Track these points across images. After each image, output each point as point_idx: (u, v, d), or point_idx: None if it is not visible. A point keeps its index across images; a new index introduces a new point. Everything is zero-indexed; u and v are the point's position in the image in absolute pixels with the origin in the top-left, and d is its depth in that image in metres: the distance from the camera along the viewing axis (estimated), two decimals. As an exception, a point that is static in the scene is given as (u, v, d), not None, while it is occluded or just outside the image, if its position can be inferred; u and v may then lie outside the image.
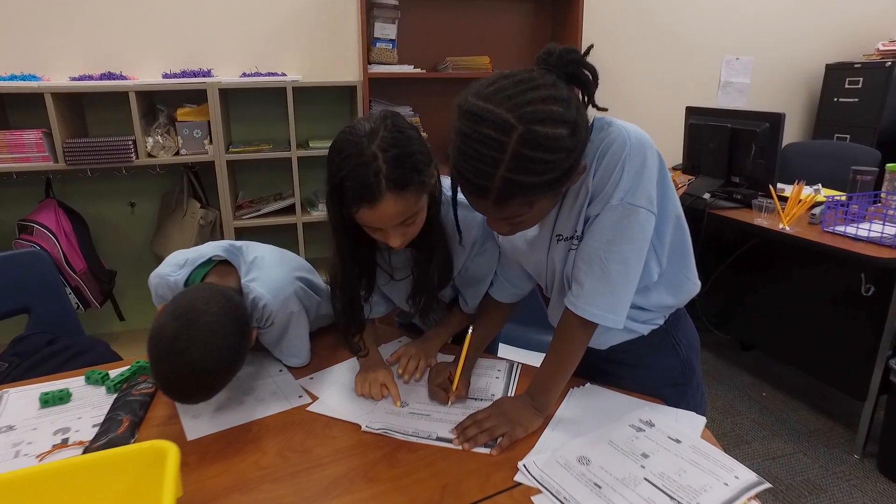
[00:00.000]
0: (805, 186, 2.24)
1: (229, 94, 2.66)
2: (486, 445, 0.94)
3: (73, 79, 2.42)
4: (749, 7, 3.43)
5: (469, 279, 1.18)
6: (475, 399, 1.08)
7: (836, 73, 3.50)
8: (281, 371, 1.20)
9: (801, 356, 2.39)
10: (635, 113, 3.25)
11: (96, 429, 0.98)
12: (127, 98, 2.27)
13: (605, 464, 0.88)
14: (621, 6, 3.21)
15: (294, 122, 2.50)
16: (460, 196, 0.90)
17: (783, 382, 2.60)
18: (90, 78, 2.42)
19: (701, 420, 1.00)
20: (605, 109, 0.91)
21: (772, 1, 3.46)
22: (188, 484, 0.81)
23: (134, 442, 0.95)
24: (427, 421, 1.02)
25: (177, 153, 2.44)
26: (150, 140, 2.38)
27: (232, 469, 0.90)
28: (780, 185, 2.38)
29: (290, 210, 2.66)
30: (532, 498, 0.82)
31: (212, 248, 1.14)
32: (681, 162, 2.84)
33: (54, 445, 0.94)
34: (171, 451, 0.70)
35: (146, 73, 2.56)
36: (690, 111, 2.71)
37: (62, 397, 1.07)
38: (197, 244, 1.24)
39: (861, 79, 3.35)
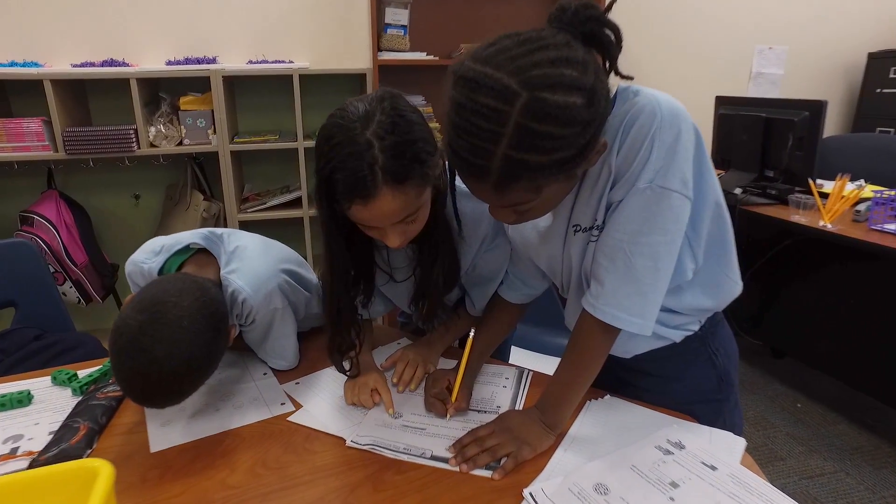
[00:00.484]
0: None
1: (235, 84, 2.57)
2: (487, 467, 0.81)
3: (75, 66, 2.35)
4: (784, -8, 3.24)
5: (477, 278, 1.05)
6: (478, 411, 0.96)
7: (879, 63, 3.28)
8: (265, 374, 1.09)
9: (840, 365, 2.22)
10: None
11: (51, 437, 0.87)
12: (129, 86, 2.19)
13: (626, 493, 0.75)
14: (646, -8, 3.05)
15: (301, 111, 2.40)
16: (462, 184, 0.77)
17: (820, 393, 2.41)
18: (91, 65, 2.35)
19: (740, 442, 0.86)
20: (630, 78, 0.77)
21: (809, -15, 3.26)
22: (139, 506, 0.70)
23: (90, 453, 0.85)
24: (421, 436, 0.89)
25: (180, 143, 2.36)
26: (153, 129, 2.30)
27: (194, 488, 0.79)
28: (817, 181, 2.21)
29: (297, 203, 2.56)
30: (539, 535, 0.69)
31: (190, 235, 1.04)
32: (710, 155, 2.67)
33: (1, 456, 0.83)
34: (104, 471, 0.59)
35: (150, 61, 2.48)
36: (721, 101, 2.54)
37: (21, 400, 0.97)
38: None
39: (907, 69, 3.14)
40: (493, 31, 0.69)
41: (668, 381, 0.96)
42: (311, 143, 2.44)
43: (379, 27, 2.54)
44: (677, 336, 0.91)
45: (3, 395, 0.96)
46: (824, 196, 2.04)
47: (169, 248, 1.02)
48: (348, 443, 0.87)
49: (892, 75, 3.21)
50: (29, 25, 2.36)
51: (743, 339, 2.50)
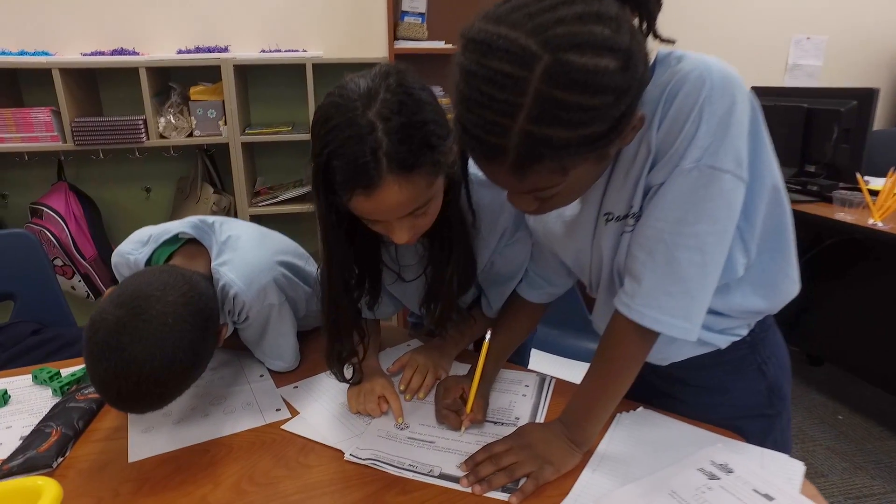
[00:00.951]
0: (898, 176, 1.91)
1: (247, 73, 2.50)
2: (503, 489, 0.71)
3: (85, 55, 2.30)
4: (823, -22, 3.06)
5: (495, 277, 0.95)
6: (494, 422, 0.85)
7: (925, 53, 3.08)
8: (262, 376, 1.00)
9: (885, 373, 2.07)
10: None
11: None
12: (139, 76, 2.13)
13: (666, 526, 0.64)
14: (677, -22, 2.90)
15: (315, 102, 2.32)
16: (477, 169, 0.67)
17: (863, 404, 2.25)
18: (101, 54, 2.30)
19: (798, 467, 0.74)
20: (671, 41, 0.66)
21: (850, -29, 3.07)
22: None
23: (60, 462, 0.77)
24: (430, 451, 0.79)
25: (190, 134, 2.30)
26: (162, 120, 2.24)
27: (171, 505, 0.70)
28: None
29: (310, 197, 2.47)
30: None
31: (180, 224, 0.95)
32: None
33: (-35, 463, 0.76)
34: (49, 491, 0.50)
35: (161, 50, 2.42)
36: (757, 91, 2.38)
37: (-5, 400, 0.89)
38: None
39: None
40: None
41: (711, 393, 0.84)
42: (324, 135, 2.36)
43: (396, 15, 2.46)
44: (723, 342, 0.79)
45: (-23, 395, 0.89)
46: (872, 193, 1.89)
47: (157, 238, 0.94)
48: (347, 456, 0.78)
49: (941, 65, 3.02)
50: (39, 14, 2.32)
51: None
